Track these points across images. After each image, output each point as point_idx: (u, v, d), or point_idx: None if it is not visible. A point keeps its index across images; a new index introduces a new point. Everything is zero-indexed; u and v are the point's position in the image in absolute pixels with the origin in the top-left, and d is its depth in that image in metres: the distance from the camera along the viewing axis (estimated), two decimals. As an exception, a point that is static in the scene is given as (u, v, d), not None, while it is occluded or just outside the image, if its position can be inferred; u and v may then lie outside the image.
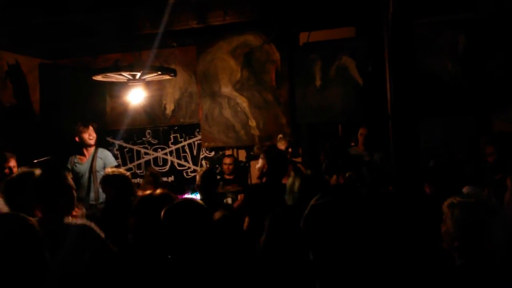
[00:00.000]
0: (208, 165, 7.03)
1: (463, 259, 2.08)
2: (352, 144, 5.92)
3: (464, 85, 5.81)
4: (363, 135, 5.75)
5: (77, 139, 5.83)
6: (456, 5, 5.66)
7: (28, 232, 1.83)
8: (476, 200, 2.13)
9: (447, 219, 2.12)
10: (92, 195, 5.76)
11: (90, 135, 5.82)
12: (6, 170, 4.78)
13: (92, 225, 3.00)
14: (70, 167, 5.86)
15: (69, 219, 2.98)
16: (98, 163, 5.83)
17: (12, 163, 4.91)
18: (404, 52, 3.94)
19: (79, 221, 3.11)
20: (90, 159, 5.86)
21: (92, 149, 5.91)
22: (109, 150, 6.33)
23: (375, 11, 4.94)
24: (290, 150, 5.85)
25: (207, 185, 4.67)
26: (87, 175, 5.80)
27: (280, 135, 6.06)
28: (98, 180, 5.35)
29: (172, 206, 2.49)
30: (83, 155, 5.90)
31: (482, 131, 5.70)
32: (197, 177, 4.77)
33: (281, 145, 5.84)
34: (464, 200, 2.14)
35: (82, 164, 5.88)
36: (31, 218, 1.90)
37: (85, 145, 5.86)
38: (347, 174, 4.23)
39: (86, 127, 5.84)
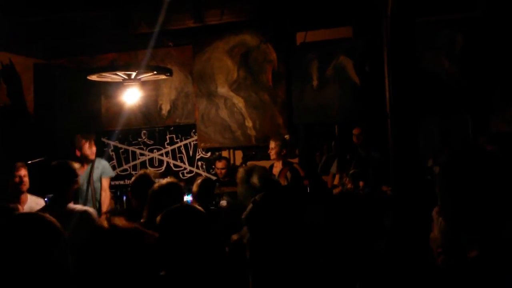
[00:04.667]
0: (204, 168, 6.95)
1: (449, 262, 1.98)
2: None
3: (462, 85, 5.82)
4: (358, 135, 5.79)
5: (78, 153, 5.58)
6: (454, 4, 5.68)
7: None
8: None
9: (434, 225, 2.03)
10: (89, 205, 5.60)
11: (92, 150, 5.62)
12: (16, 179, 4.65)
13: (93, 211, 3.62)
14: None
15: (73, 205, 3.62)
16: (96, 174, 5.65)
17: (23, 172, 4.74)
18: (404, 51, 3.92)
19: (80, 207, 3.72)
20: (89, 169, 5.64)
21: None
22: (104, 151, 6.23)
23: (372, 11, 4.94)
24: (284, 151, 5.77)
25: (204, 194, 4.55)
26: (85, 185, 5.60)
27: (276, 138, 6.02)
28: (96, 191, 5.58)
29: (169, 211, 2.26)
30: (82, 165, 5.58)
31: (480, 130, 5.70)
32: (194, 186, 4.60)
33: (273, 144, 5.78)
34: None
35: (81, 174, 5.44)
36: None
37: (86, 159, 5.63)
38: (351, 171, 4.21)
39: (88, 140, 5.61)
